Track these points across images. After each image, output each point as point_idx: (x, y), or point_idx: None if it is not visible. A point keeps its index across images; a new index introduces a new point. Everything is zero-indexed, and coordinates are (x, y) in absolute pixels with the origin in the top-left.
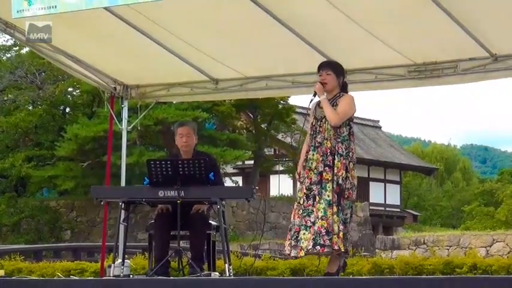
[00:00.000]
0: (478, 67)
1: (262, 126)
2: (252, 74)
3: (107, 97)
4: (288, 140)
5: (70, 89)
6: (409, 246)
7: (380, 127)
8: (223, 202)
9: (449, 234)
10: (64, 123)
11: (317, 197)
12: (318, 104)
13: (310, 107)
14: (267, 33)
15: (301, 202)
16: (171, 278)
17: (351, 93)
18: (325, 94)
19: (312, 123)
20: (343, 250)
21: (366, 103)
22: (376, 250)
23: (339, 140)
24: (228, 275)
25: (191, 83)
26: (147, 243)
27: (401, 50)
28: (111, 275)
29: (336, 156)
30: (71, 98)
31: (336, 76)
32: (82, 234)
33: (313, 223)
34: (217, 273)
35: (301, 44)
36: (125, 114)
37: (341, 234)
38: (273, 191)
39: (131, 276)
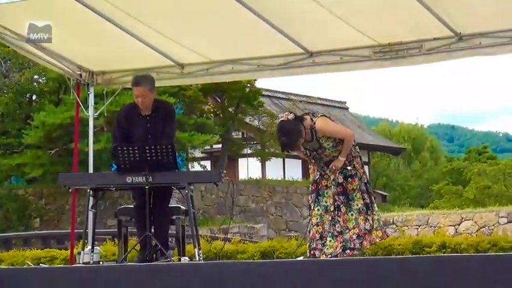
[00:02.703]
0: (443, 46)
1: (230, 109)
2: (218, 58)
3: (72, 84)
4: (256, 123)
5: (36, 77)
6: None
7: (347, 108)
8: (191, 186)
9: (418, 213)
10: (31, 111)
11: (342, 208)
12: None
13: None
14: (231, 16)
15: (332, 209)
16: (142, 264)
17: (316, 77)
18: (337, 167)
19: (307, 155)
20: (370, 244)
21: (332, 84)
22: None
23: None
24: (197, 259)
25: (157, 68)
26: (116, 230)
27: (366, 30)
28: (81, 262)
29: (353, 163)
30: (37, 86)
31: (300, 138)
32: (51, 222)
33: (340, 232)
34: (186, 258)
35: (266, 27)
36: (91, 101)
37: (370, 230)
38: (242, 174)
39: (101, 262)
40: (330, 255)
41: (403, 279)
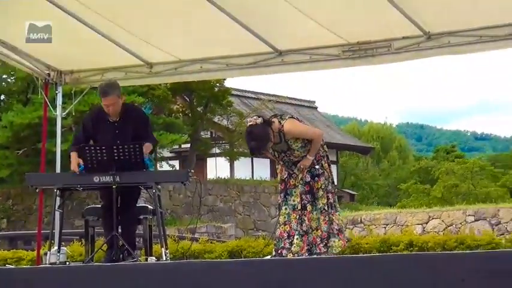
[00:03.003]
0: (412, 45)
1: (199, 109)
2: (186, 57)
3: (40, 83)
4: (225, 122)
5: (4, 76)
6: (347, 226)
7: (316, 107)
8: (159, 186)
9: (386, 212)
10: None
11: (308, 206)
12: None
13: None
14: (200, 15)
15: (299, 208)
16: (109, 264)
17: (285, 76)
18: (305, 165)
19: (276, 156)
20: (340, 248)
21: (302, 84)
22: None
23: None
24: (164, 259)
25: (125, 68)
26: (83, 230)
27: (335, 29)
28: (47, 262)
29: (321, 163)
30: (6, 85)
31: (269, 142)
32: (19, 223)
33: (306, 232)
34: (153, 258)
35: (235, 26)
36: (59, 100)
37: (340, 229)
38: (210, 174)
39: (67, 263)
40: (296, 254)
41: (371, 278)
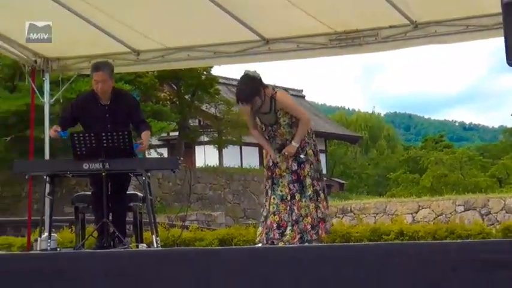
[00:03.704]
0: (399, 34)
1: (186, 97)
2: (174, 44)
3: (27, 70)
4: (212, 110)
5: None
6: (336, 215)
7: (304, 96)
8: (149, 173)
9: (376, 201)
10: None
11: (297, 195)
12: (256, 111)
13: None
14: (187, 3)
15: (288, 199)
16: (98, 250)
17: (272, 65)
18: (290, 152)
19: (262, 128)
20: (325, 235)
21: (289, 72)
22: None
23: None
24: (155, 246)
25: (112, 55)
26: (73, 217)
27: (322, 18)
28: (38, 248)
29: (305, 150)
30: None
31: (257, 96)
32: (8, 210)
33: (296, 221)
34: (144, 245)
35: (222, 14)
36: (46, 87)
37: (324, 218)
38: (199, 162)
39: (58, 249)
40: (287, 243)
41: (362, 267)
